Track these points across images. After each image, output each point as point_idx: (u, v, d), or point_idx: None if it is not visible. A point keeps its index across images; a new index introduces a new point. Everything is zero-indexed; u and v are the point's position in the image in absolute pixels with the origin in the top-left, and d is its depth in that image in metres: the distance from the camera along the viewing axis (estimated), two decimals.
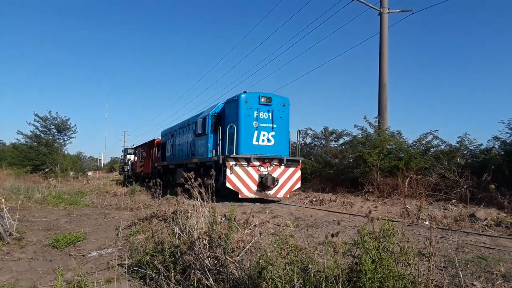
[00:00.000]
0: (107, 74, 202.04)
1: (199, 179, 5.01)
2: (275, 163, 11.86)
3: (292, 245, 3.27)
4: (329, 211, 9.83)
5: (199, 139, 14.33)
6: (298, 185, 12.60)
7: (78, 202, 15.49)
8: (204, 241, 4.55)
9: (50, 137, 34.83)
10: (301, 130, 19.00)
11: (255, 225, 7.10)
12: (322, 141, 19.61)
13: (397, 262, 3.03)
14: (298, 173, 12.43)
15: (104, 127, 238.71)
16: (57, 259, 6.58)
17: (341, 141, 18.43)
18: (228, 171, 11.17)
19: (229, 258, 3.97)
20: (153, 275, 4.71)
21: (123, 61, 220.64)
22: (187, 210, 5.97)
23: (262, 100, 12.04)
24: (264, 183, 11.41)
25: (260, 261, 3.26)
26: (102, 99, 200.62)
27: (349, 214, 9.20)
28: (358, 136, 15.73)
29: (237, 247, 5.06)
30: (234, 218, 4.79)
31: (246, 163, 11.43)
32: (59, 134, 35.28)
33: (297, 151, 13.52)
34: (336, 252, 3.19)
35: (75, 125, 36.35)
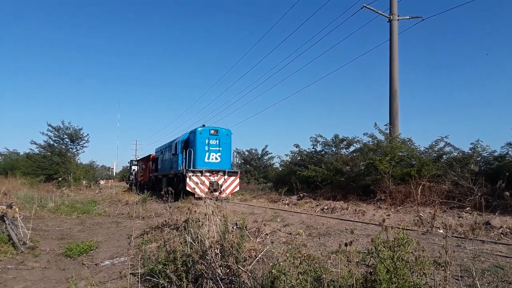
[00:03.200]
0: (119, 83, 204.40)
1: None
2: (221, 174, 17.29)
3: (305, 255, 3.24)
4: (341, 219, 9.74)
5: (174, 157, 19.81)
6: (237, 188, 18.06)
7: (91, 211, 15.59)
8: (216, 250, 4.54)
9: (63, 147, 35.18)
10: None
11: (266, 234, 7.07)
12: (333, 148, 19.54)
13: (412, 272, 2.98)
14: (237, 181, 17.94)
15: (116, 136, 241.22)
16: (70, 268, 6.61)
17: (351, 148, 18.37)
18: (187, 179, 16.47)
19: (241, 268, 3.95)
20: (166, 284, 4.70)
21: (135, 70, 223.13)
22: (198, 219, 5.97)
23: (212, 132, 17.76)
24: (212, 187, 16.69)
25: (273, 270, 3.24)
26: (114, 108, 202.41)
27: (362, 222, 9.11)
28: (369, 143, 15.63)
29: (249, 256, 5.03)
30: (246, 227, 4.79)
31: (200, 174, 16.79)
32: (72, 143, 35.60)
33: (234, 165, 19.56)
34: (350, 262, 3.16)
35: (88, 134, 36.54)
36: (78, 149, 36.39)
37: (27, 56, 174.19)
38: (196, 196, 15.95)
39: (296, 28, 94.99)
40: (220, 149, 17.78)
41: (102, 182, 50.40)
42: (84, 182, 36.34)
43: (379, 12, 17.35)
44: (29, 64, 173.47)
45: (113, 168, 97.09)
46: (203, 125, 18.04)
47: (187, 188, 16.24)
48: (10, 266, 6.58)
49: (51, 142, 34.55)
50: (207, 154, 17.45)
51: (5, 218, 9.13)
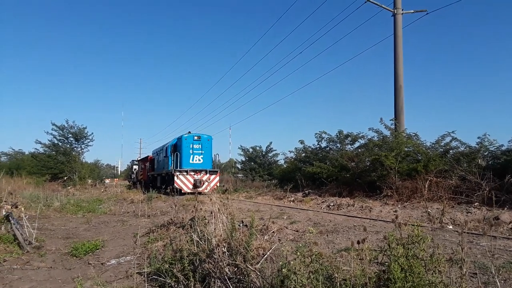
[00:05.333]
0: (122, 82, 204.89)
1: None
2: (203, 173, 20.93)
3: (316, 253, 3.15)
4: (348, 216, 9.65)
5: (166, 159, 23.55)
6: (218, 184, 21.55)
7: (96, 210, 15.56)
8: (223, 249, 4.46)
9: (68, 146, 35.23)
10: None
11: (273, 232, 6.99)
12: (338, 144, 19.39)
13: (427, 270, 2.89)
14: (217, 178, 21.67)
15: (120, 135, 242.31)
16: (76, 267, 6.57)
17: (356, 144, 18.22)
18: (175, 178, 20.21)
19: (250, 266, 3.87)
20: (173, 284, 4.64)
21: (138, 68, 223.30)
22: (205, 216, 5.90)
23: (195, 138, 21.58)
24: (195, 184, 20.29)
25: (283, 269, 3.15)
26: (119, 107, 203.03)
27: (369, 219, 9.01)
28: (374, 138, 15.47)
29: (256, 254, 4.96)
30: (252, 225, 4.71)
31: (186, 173, 20.51)
32: (76, 142, 35.64)
33: (215, 165, 23.55)
34: (362, 260, 3.07)
35: (92, 133, 36.57)
36: (83, 148, 36.49)
37: (32, 56, 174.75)
38: (182, 191, 19.78)
39: (299, 24, 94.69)
40: (203, 152, 21.56)
41: (107, 180, 50.58)
42: (90, 181, 36.44)
43: (382, 6, 17.15)
44: (34, 64, 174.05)
45: (118, 167, 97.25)
46: (189, 132, 21.86)
47: (175, 185, 19.77)
48: (15, 266, 6.54)
49: (56, 142, 34.65)
50: (191, 156, 21.25)
51: (10, 217, 9.12)
